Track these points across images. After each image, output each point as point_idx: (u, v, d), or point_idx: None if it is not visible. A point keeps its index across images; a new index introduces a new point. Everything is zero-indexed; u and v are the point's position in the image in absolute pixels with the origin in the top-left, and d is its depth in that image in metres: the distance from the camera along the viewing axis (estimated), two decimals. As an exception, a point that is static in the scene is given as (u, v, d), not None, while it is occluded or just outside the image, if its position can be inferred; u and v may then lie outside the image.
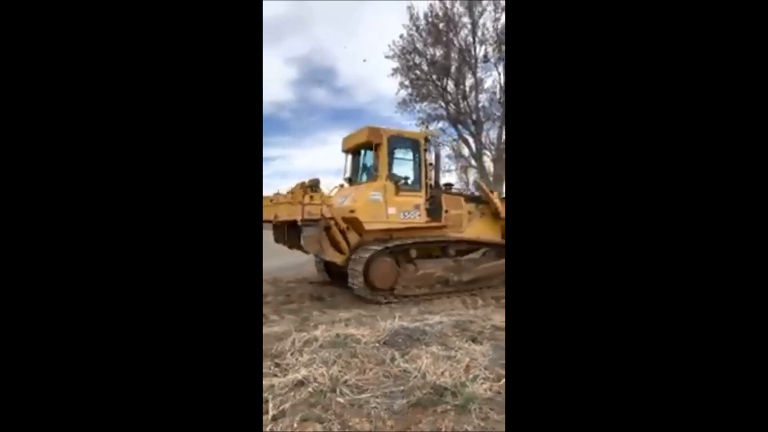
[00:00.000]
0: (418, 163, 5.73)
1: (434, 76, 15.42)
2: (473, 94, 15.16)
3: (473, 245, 6.16)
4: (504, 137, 14.91)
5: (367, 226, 5.21)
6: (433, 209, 5.69)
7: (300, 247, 5.16)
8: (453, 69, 15.11)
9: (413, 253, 5.52)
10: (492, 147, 15.44)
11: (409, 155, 5.82)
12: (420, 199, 5.61)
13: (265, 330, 3.70)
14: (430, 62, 15.19)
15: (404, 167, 5.82)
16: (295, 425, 2.03)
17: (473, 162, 16.14)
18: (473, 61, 14.78)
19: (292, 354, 3.01)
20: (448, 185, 6.65)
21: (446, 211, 5.82)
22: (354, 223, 5.25)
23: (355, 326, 3.79)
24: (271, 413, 2.12)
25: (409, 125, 15.39)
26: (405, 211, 5.44)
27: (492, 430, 1.98)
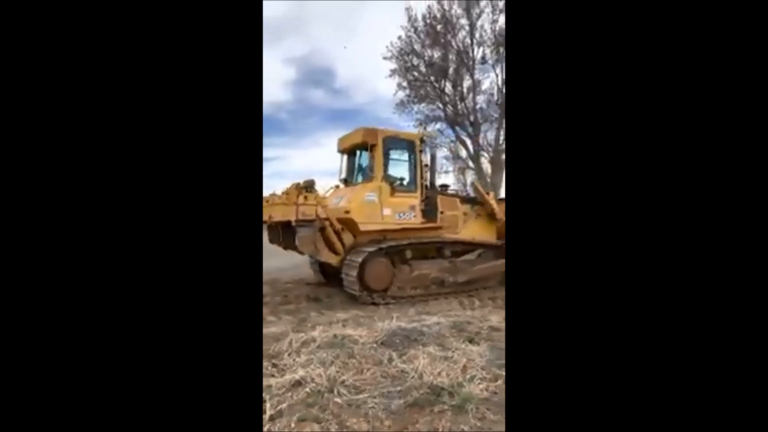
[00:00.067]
0: (414, 164, 5.73)
1: (432, 78, 15.45)
2: (471, 95, 15.21)
3: (469, 246, 6.16)
4: (501, 139, 14.98)
5: (362, 227, 5.21)
6: (429, 210, 5.69)
7: (295, 248, 5.15)
8: (451, 70, 15.14)
9: (408, 254, 5.51)
10: (489, 148, 15.48)
11: (405, 156, 5.82)
12: (415, 200, 5.61)
13: (263, 331, 3.70)
14: (428, 64, 15.22)
15: (400, 168, 5.83)
16: (293, 425, 2.03)
17: (471, 163, 16.18)
18: (471, 62, 14.82)
19: (289, 354, 3.02)
20: (444, 186, 6.66)
21: (442, 212, 5.83)
22: (349, 224, 5.25)
23: (353, 327, 3.80)
24: (268, 413, 2.13)
25: (407, 126, 15.45)
26: (400, 212, 5.44)
27: (488, 430, 1.99)
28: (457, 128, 15.74)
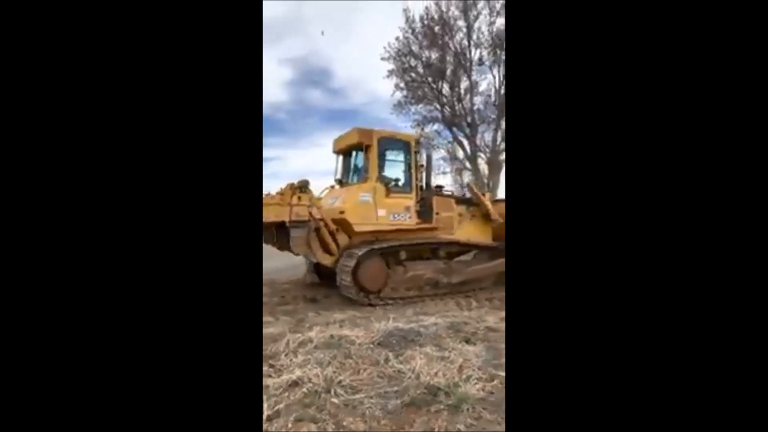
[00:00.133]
0: (409, 165, 5.73)
1: (429, 79, 15.47)
2: (468, 96, 15.24)
3: (464, 247, 6.15)
4: (498, 140, 15.03)
5: (357, 228, 5.20)
6: (424, 211, 5.69)
7: (289, 249, 5.13)
8: (448, 72, 15.17)
9: (403, 254, 5.51)
10: (486, 149, 15.53)
11: (400, 157, 5.82)
12: (410, 200, 5.61)
13: (260, 331, 3.70)
14: (426, 65, 15.24)
15: (395, 169, 5.83)
16: (290, 425, 2.04)
17: (468, 164, 16.21)
18: (468, 64, 14.85)
19: (286, 355, 3.02)
20: (439, 187, 6.66)
21: (437, 213, 5.83)
22: (343, 225, 5.24)
23: (350, 327, 3.81)
24: (265, 414, 2.13)
25: (405, 127, 15.45)
26: (395, 213, 5.44)
27: (484, 429, 2.01)
28: (455, 129, 15.77)
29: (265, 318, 4.42)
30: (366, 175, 5.49)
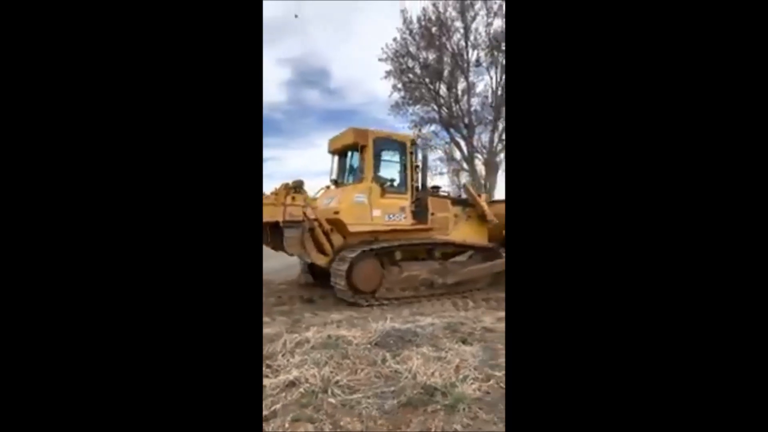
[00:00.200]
0: (405, 166, 5.74)
1: (427, 80, 15.51)
2: (465, 97, 15.30)
3: (459, 248, 6.16)
4: (495, 141, 15.09)
5: (351, 228, 5.19)
6: (419, 212, 5.69)
7: (283, 249, 5.12)
8: (446, 73, 15.21)
9: (398, 255, 5.50)
10: (484, 150, 15.57)
11: (396, 157, 5.82)
12: (405, 201, 5.61)
13: (257, 331, 3.69)
14: (423, 66, 15.28)
15: (391, 169, 5.82)
16: (287, 425, 2.04)
17: (465, 165, 16.25)
18: (465, 65, 14.90)
19: (283, 355, 3.02)
20: (436, 188, 6.67)
21: (432, 214, 5.83)
22: (338, 225, 5.23)
23: (347, 328, 3.81)
24: (262, 413, 2.13)
25: (403, 128, 15.51)
26: (390, 214, 5.43)
27: (480, 429, 2.01)
28: (452, 130, 15.82)
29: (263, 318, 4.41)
30: (361, 175, 5.49)
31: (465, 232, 6.27)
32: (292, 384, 2.48)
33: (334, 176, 6.32)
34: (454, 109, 15.48)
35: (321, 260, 5.20)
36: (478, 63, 14.78)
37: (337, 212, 5.19)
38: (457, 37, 14.69)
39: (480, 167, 15.87)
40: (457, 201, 6.56)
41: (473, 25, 14.41)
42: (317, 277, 6.32)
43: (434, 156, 15.80)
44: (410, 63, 15.44)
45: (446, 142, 16.36)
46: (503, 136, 14.77)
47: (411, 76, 15.69)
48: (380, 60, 15.37)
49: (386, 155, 5.79)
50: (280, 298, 5.56)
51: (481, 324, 3.96)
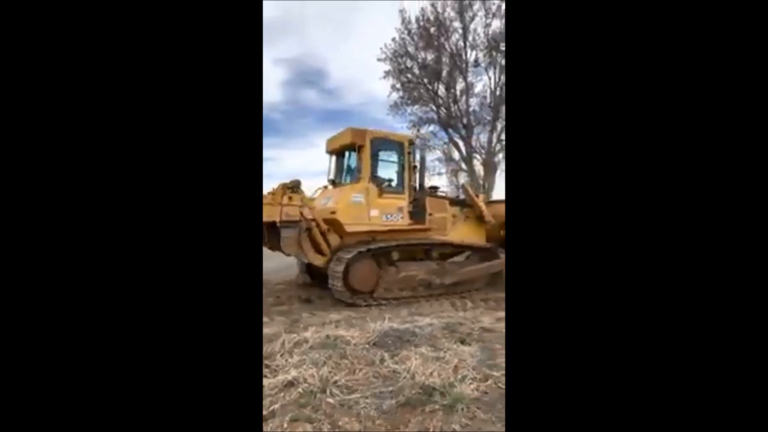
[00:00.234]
0: (402, 166, 5.73)
1: (425, 80, 15.51)
2: (464, 98, 15.29)
3: (457, 248, 6.16)
4: (494, 141, 15.10)
5: (349, 228, 5.18)
6: (417, 212, 5.69)
7: (281, 249, 5.11)
8: (444, 73, 15.21)
9: (395, 255, 5.49)
10: (482, 151, 15.58)
11: (394, 157, 5.81)
12: (403, 201, 5.60)
13: (255, 331, 3.69)
14: (422, 66, 15.28)
15: (389, 170, 5.82)
16: (285, 425, 2.04)
17: (464, 165, 16.26)
18: (464, 65, 14.90)
19: (282, 355, 3.01)
20: (433, 188, 6.67)
21: (430, 214, 5.83)
22: (335, 225, 5.22)
23: (345, 328, 3.81)
24: (262, 413, 2.13)
25: (401, 128, 15.49)
26: (388, 214, 5.42)
27: (479, 429, 2.02)
28: (450, 130, 15.82)
29: (260, 318, 4.40)
30: (359, 175, 5.48)
31: (463, 233, 6.27)
32: (290, 384, 2.48)
33: (331, 176, 6.31)
34: (452, 109, 15.49)
35: (318, 260, 5.19)
36: (476, 63, 14.80)
37: (334, 212, 5.18)
38: (455, 37, 14.72)
39: (478, 167, 15.89)
40: (455, 201, 6.56)
41: (472, 26, 14.43)
42: (315, 277, 6.31)
43: (433, 156, 15.83)
44: (409, 63, 15.44)
45: (445, 143, 16.38)
46: (501, 137, 14.79)
47: (409, 76, 15.69)
48: (379, 60, 15.39)
49: (384, 155, 5.78)
50: (278, 298, 5.55)
51: (479, 324, 3.96)
